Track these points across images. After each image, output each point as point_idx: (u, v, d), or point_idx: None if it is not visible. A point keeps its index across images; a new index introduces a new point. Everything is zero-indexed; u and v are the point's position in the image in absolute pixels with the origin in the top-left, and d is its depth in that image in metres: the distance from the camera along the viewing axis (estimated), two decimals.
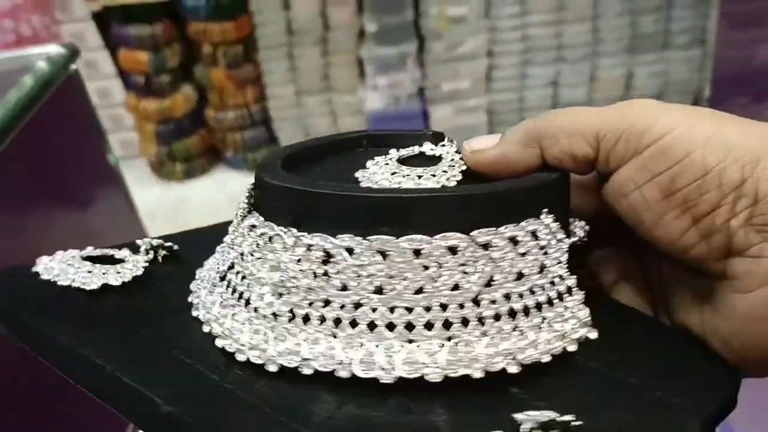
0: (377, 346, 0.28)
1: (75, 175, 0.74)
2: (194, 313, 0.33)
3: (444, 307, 0.28)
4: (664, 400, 0.28)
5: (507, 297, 0.29)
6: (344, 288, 0.29)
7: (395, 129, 0.39)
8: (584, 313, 0.31)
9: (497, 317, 0.29)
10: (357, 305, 0.28)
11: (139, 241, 0.38)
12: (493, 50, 2.15)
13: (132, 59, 2.18)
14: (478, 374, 0.28)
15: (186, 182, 2.35)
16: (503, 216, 0.29)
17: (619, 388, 0.29)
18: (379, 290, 0.28)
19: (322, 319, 0.29)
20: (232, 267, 0.32)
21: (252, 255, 0.31)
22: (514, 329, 0.29)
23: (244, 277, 0.31)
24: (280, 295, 0.30)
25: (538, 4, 2.08)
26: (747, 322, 0.29)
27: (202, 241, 0.39)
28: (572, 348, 0.30)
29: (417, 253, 0.28)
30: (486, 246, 0.29)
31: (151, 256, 0.38)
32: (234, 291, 0.32)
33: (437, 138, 0.37)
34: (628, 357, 0.30)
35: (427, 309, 0.28)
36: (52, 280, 0.35)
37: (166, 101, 2.24)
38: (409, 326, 0.28)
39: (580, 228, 0.33)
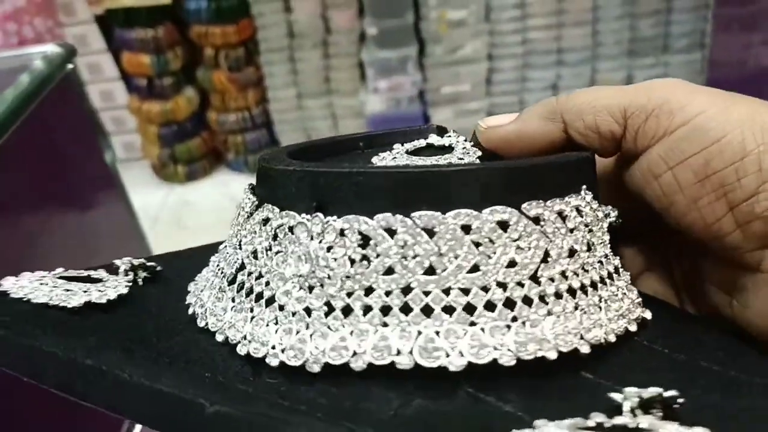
0: (437, 332, 0.25)
1: (71, 173, 0.75)
2: (200, 324, 0.30)
3: (503, 286, 0.26)
4: (743, 380, 0.25)
5: (563, 275, 0.27)
6: (389, 272, 0.26)
7: (390, 128, 0.37)
8: (635, 293, 0.29)
9: (558, 296, 0.27)
10: (406, 289, 0.26)
11: (117, 261, 0.36)
12: (494, 53, 2.16)
13: (135, 62, 2.20)
14: (552, 355, 0.25)
15: (188, 184, 2.36)
16: (547, 191, 0.27)
17: (691, 370, 0.26)
18: (429, 271, 0.26)
19: (367, 309, 0.26)
20: (242, 268, 0.30)
21: (269, 250, 0.28)
22: (575, 308, 0.27)
23: (260, 276, 0.29)
24: (311, 288, 0.27)
25: (538, 7, 2.09)
26: None
27: (182, 263, 0.37)
28: (633, 328, 0.28)
29: (466, 229, 0.26)
30: (536, 220, 0.27)
31: (131, 276, 0.35)
32: (250, 292, 0.29)
33: (441, 131, 0.36)
34: (684, 339, 0.28)
35: (485, 289, 0.26)
36: (25, 298, 0.31)
37: (169, 104, 2.25)
38: (469, 308, 0.26)
39: (612, 210, 0.30)
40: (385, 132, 0.37)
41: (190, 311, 0.31)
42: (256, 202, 0.30)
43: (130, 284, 0.34)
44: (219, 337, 0.29)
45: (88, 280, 0.34)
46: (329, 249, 0.26)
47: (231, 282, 0.30)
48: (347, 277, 0.26)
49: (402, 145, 0.35)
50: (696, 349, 0.28)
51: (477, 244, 0.26)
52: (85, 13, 2.24)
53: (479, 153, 0.33)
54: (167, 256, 0.40)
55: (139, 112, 2.28)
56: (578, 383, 0.25)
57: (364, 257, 0.26)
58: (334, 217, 0.26)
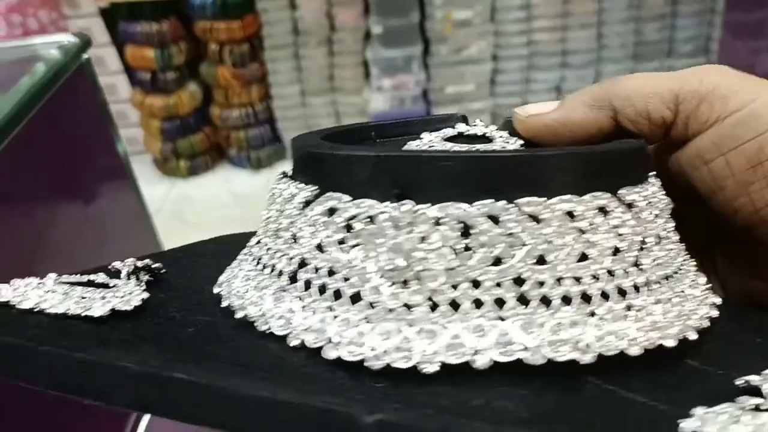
0: (559, 324, 0.24)
1: (84, 163, 0.76)
2: (262, 328, 0.26)
3: (612, 273, 0.25)
4: None
5: (657, 261, 0.26)
6: (497, 262, 0.24)
7: (406, 117, 0.35)
8: (704, 279, 0.29)
9: (659, 282, 0.26)
10: (518, 281, 0.24)
11: (118, 264, 0.32)
12: (498, 54, 2.16)
13: (139, 56, 2.20)
14: (671, 343, 0.24)
15: (190, 179, 2.36)
16: (627, 177, 0.27)
17: None
18: (540, 260, 0.24)
19: (478, 303, 0.24)
20: (303, 264, 0.27)
21: (341, 243, 0.26)
22: (675, 295, 0.26)
23: (332, 272, 0.26)
24: (405, 282, 0.24)
25: (544, 9, 2.09)
26: None
27: (179, 263, 0.35)
28: (715, 313, 0.27)
29: (570, 215, 0.25)
30: (630, 206, 0.26)
31: (133, 280, 0.32)
32: (322, 291, 0.26)
33: (465, 120, 0.35)
34: (748, 322, 0.28)
35: (596, 277, 0.24)
36: (36, 308, 0.28)
37: (172, 98, 2.25)
38: (585, 298, 0.24)
39: None
40: (401, 121, 0.35)
41: (239, 315, 0.28)
42: (317, 191, 0.27)
43: (144, 288, 0.30)
44: (293, 342, 0.25)
45: (92, 284, 0.31)
46: (423, 240, 0.24)
47: (293, 279, 0.27)
48: (449, 269, 0.24)
49: (430, 133, 0.33)
50: (764, 331, 0.27)
51: (582, 231, 0.25)
52: (89, 6, 2.24)
53: (521, 141, 0.32)
54: (157, 255, 0.36)
55: (142, 106, 2.28)
56: (686, 370, 0.24)
57: (467, 248, 0.24)
58: (428, 205, 0.24)
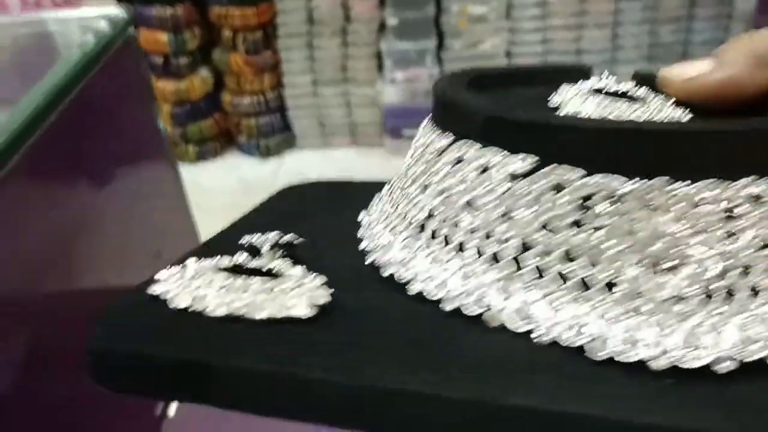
0: None
1: (128, 137, 0.76)
2: (493, 324, 0.24)
3: None
4: None
5: None
6: (764, 247, 0.22)
7: (521, 66, 0.34)
8: None
9: None
10: None
11: (255, 240, 0.30)
12: (512, 51, 2.16)
13: (152, 39, 2.18)
14: None
15: (198, 164, 2.35)
16: None
17: None
18: None
19: (754, 291, 0.22)
20: (527, 247, 0.24)
21: (578, 225, 0.23)
22: None
23: (567, 257, 0.23)
24: (670, 270, 0.22)
25: (560, 7, 2.10)
26: None
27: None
28: None
29: None
30: None
31: (278, 258, 0.29)
32: (563, 279, 0.23)
33: (590, 71, 0.32)
34: None
35: None
36: (231, 315, 0.25)
37: (183, 83, 2.24)
38: None
39: None
40: (523, 68, 0.33)
41: (450, 307, 0.25)
42: (536, 163, 0.24)
43: (310, 272, 0.27)
44: (544, 339, 0.23)
45: (250, 270, 0.28)
46: (681, 221, 0.22)
47: (517, 265, 0.24)
48: (719, 254, 0.22)
49: (568, 85, 0.30)
50: None
51: None
52: None
53: (673, 101, 0.29)
54: (230, 230, 0.34)
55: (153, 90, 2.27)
56: None
57: (731, 233, 0.22)
58: (687, 182, 0.22)
